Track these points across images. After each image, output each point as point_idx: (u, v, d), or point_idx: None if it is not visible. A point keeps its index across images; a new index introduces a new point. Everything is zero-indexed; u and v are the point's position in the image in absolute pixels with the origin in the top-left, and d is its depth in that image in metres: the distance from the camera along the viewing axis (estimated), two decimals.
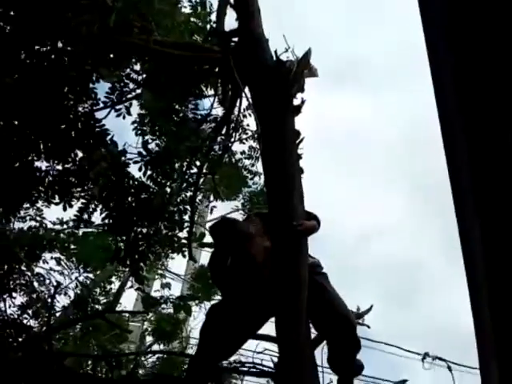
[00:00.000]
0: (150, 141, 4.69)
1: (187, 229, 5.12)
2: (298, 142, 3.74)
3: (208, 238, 5.42)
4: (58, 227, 6.65)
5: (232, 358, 4.73)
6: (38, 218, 6.27)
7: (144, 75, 4.13)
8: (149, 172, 4.47)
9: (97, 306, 6.62)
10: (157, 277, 8.56)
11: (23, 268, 5.99)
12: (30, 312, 5.81)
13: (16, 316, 5.53)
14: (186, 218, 5.00)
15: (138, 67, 4.52)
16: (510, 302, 1.12)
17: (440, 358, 8.15)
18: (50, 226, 6.59)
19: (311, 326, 3.98)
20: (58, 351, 5.23)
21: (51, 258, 6.58)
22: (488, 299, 1.17)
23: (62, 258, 6.73)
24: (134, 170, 4.73)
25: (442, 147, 1.27)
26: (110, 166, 4.12)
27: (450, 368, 8.09)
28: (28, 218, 6.14)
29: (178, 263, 9.46)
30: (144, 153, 4.63)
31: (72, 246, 6.77)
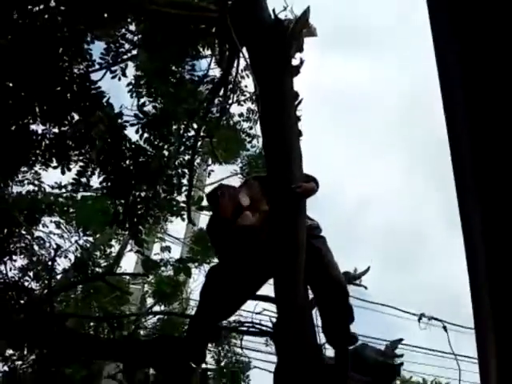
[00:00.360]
0: (146, 103, 4.62)
1: (186, 192, 5.13)
2: (296, 103, 3.70)
3: (206, 202, 5.41)
4: (56, 191, 6.65)
5: (231, 318, 4.83)
6: (36, 182, 6.26)
7: (140, 35, 4.04)
8: (146, 135, 4.43)
9: (97, 269, 6.68)
10: (156, 240, 8.62)
11: (23, 232, 6.01)
12: (30, 275, 5.87)
13: (17, 279, 5.59)
14: (185, 181, 4.99)
15: (133, 27, 4.43)
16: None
17: (436, 319, 8.30)
18: (48, 190, 6.59)
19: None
20: (59, 313, 5.30)
21: (50, 221, 6.61)
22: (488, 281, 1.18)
23: (62, 221, 6.75)
24: (130, 133, 4.70)
25: (443, 115, 1.25)
26: (107, 129, 4.07)
27: (445, 328, 8.25)
28: (26, 182, 6.13)
29: (177, 227, 9.52)
30: (140, 115, 4.59)
31: (71, 210, 6.78)
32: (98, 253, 7.00)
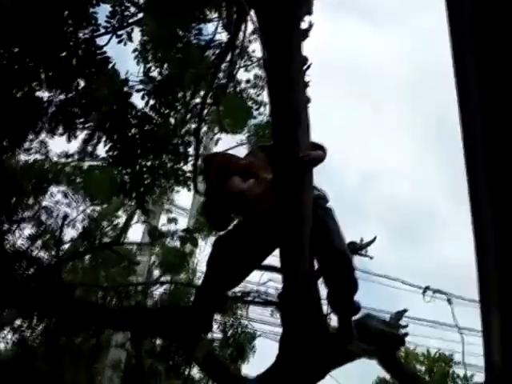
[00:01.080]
0: (152, 68, 4.53)
1: (192, 162, 5.08)
2: (305, 68, 3.60)
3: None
4: (63, 160, 6.62)
5: (237, 289, 4.83)
6: (42, 151, 6.22)
7: None
8: (152, 102, 4.36)
9: (104, 240, 6.69)
10: (162, 211, 8.62)
11: (30, 201, 6.01)
12: (38, 244, 5.88)
13: (25, 248, 5.60)
14: (191, 150, 4.94)
15: None
16: None
17: (440, 292, 8.32)
18: (55, 159, 6.57)
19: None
20: (68, 282, 5.33)
21: (58, 191, 6.60)
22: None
23: (68, 191, 6.74)
24: (136, 100, 4.63)
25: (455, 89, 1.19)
26: (112, 95, 4.01)
27: (449, 301, 8.28)
28: (33, 151, 6.09)
29: (184, 197, 9.51)
30: (147, 81, 4.51)
31: (78, 180, 6.76)
32: (105, 223, 7.01)
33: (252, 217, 3.89)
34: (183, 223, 9.59)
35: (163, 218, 8.58)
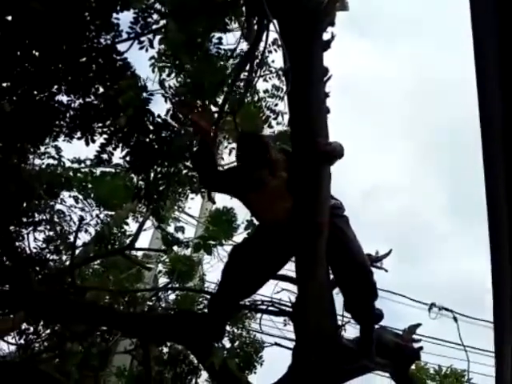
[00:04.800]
0: (168, 77, 4.56)
1: None
2: (326, 79, 3.61)
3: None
4: (75, 165, 6.65)
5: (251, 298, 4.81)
6: (55, 156, 6.24)
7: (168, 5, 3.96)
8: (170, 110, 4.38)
9: (116, 245, 6.70)
10: (170, 221, 8.62)
11: (43, 205, 6.03)
12: (51, 248, 5.89)
13: (39, 251, 5.61)
14: None
15: None
16: None
17: (446, 309, 8.26)
18: (67, 164, 6.59)
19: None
20: (79, 286, 5.33)
21: (69, 196, 6.62)
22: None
23: (80, 196, 6.76)
24: (153, 107, 4.64)
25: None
26: (131, 101, 4.03)
27: (455, 319, 8.21)
28: (46, 155, 6.12)
29: (192, 206, 9.49)
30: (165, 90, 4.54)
31: (89, 186, 6.79)
32: (115, 229, 7.02)
33: (271, 225, 3.90)
34: (189, 233, 9.58)
35: (170, 228, 8.57)
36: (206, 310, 5.46)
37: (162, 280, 8.78)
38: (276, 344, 4.65)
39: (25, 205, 5.74)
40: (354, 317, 3.93)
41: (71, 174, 6.62)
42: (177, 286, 7.86)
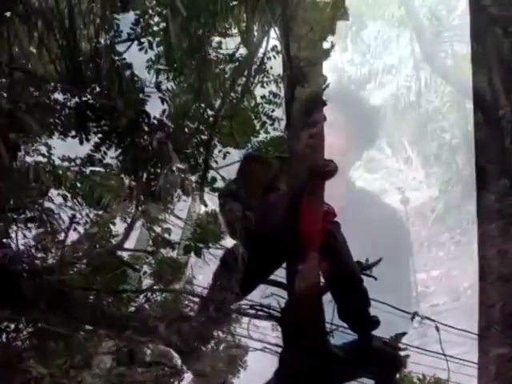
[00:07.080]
0: (168, 79, 4.57)
1: (200, 172, 5.10)
2: (323, 87, 3.66)
3: (219, 183, 5.40)
4: (66, 164, 6.57)
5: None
6: (46, 154, 6.17)
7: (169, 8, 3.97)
8: (166, 111, 4.39)
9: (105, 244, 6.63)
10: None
11: (31, 203, 5.95)
12: (39, 246, 5.82)
13: (28, 249, 5.54)
14: (200, 161, 4.95)
15: None
16: None
17: (429, 318, 8.33)
18: (57, 162, 6.51)
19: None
20: (68, 285, 5.28)
21: (58, 194, 6.53)
22: None
23: (68, 195, 6.68)
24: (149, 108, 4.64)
25: None
26: (127, 102, 4.03)
27: (437, 328, 8.28)
28: (36, 153, 6.04)
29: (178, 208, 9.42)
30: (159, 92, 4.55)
31: (78, 185, 6.71)
32: (105, 228, 6.95)
33: (264, 229, 3.93)
34: (175, 235, 9.50)
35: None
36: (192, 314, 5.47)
37: (146, 282, 8.70)
38: (265, 349, 4.65)
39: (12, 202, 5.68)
40: (350, 325, 3.96)
41: (60, 172, 6.54)
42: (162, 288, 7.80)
